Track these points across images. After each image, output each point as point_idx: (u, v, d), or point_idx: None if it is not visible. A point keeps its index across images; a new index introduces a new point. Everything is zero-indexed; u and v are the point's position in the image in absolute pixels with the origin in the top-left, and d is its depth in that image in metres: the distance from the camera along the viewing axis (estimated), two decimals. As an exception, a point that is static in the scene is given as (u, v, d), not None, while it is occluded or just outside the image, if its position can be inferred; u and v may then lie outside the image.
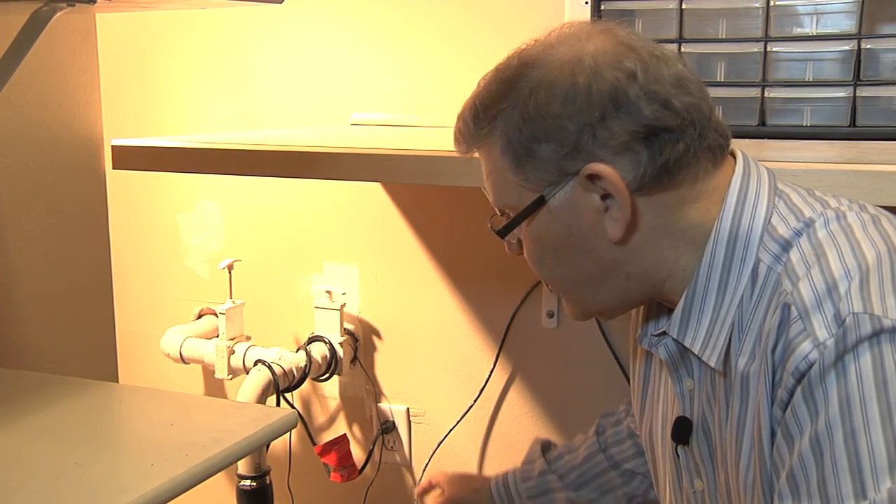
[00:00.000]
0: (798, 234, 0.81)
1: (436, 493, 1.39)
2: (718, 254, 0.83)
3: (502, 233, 0.87)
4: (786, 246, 0.80)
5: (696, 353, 0.85)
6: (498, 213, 0.89)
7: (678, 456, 0.94)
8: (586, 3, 1.39)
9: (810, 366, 0.73)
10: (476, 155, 0.90)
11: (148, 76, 1.86)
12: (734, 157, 0.88)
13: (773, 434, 0.78)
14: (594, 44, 0.83)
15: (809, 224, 0.81)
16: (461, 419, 1.69)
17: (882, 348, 0.71)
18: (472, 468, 1.72)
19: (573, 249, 0.85)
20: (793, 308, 0.75)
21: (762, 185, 0.85)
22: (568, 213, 0.84)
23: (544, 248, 0.87)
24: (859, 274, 0.74)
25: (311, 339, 1.70)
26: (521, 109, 0.83)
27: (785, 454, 0.75)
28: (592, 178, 0.81)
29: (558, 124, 0.81)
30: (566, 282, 0.89)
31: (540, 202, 0.84)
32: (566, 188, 0.83)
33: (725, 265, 0.83)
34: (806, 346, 0.73)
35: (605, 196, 0.82)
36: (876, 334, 0.71)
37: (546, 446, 1.33)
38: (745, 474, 0.83)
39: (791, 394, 0.75)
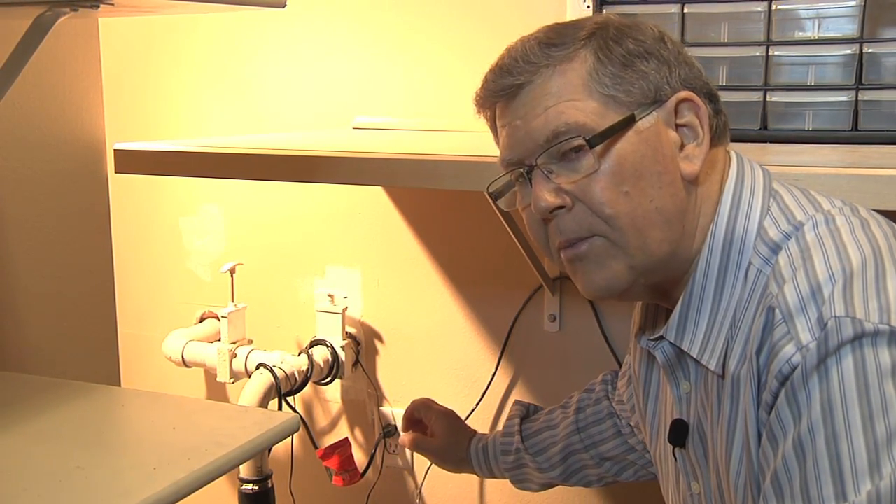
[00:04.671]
0: (787, 237, 0.81)
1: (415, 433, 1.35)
2: (714, 258, 0.83)
3: (594, 141, 0.80)
4: (775, 249, 0.81)
5: (694, 356, 0.86)
6: (556, 146, 0.82)
7: (676, 458, 0.94)
8: (588, 6, 1.39)
9: (793, 369, 0.73)
10: (493, 111, 0.88)
11: (150, 80, 1.86)
12: (729, 158, 0.88)
13: (759, 436, 0.78)
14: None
15: (799, 227, 0.81)
16: (463, 423, 1.69)
17: (864, 352, 0.71)
18: (474, 472, 1.72)
19: (655, 178, 0.82)
20: (777, 311, 0.76)
21: (756, 188, 0.85)
22: (653, 137, 0.82)
23: (626, 174, 0.81)
24: (843, 277, 0.75)
25: (313, 343, 1.70)
26: (616, 29, 0.84)
27: (770, 456, 0.75)
28: (682, 104, 0.83)
29: (656, 47, 0.84)
30: (640, 217, 0.82)
31: (630, 121, 0.81)
32: (653, 114, 0.83)
33: (721, 269, 0.83)
34: (789, 350, 0.74)
35: (682, 134, 0.84)
36: (858, 338, 0.71)
37: (525, 413, 1.32)
38: (735, 477, 0.83)
39: (775, 396, 0.75)
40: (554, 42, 0.83)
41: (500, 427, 1.69)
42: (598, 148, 0.81)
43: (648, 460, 1.20)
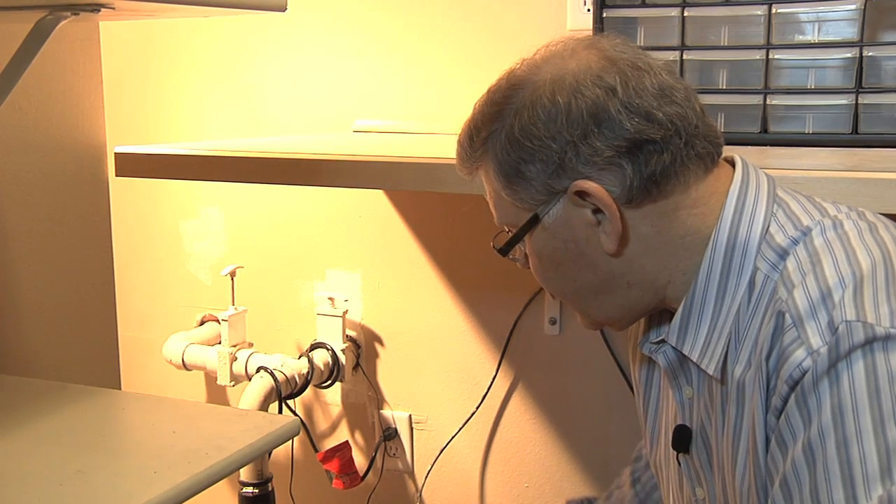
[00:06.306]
0: (795, 242, 0.81)
1: None
2: (716, 263, 0.83)
3: (503, 250, 0.89)
4: (783, 254, 0.81)
5: (694, 360, 0.86)
6: (506, 230, 0.91)
7: (679, 464, 0.94)
8: (588, 10, 1.39)
9: (804, 373, 0.73)
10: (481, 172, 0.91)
11: (151, 84, 1.86)
12: (733, 164, 0.88)
13: (767, 441, 0.78)
14: (576, 61, 0.84)
15: (806, 232, 0.81)
16: (463, 426, 1.69)
17: (875, 356, 0.71)
18: (475, 475, 1.72)
19: (572, 263, 0.87)
20: (787, 316, 0.76)
21: (760, 194, 0.85)
22: (563, 228, 0.85)
23: (545, 263, 0.88)
24: (853, 282, 0.75)
25: (314, 346, 1.70)
26: (507, 132, 0.84)
27: (779, 461, 0.75)
28: (580, 194, 0.83)
29: (542, 144, 0.83)
30: (570, 294, 0.90)
31: (535, 220, 0.86)
32: (558, 205, 0.84)
33: (723, 274, 0.83)
34: (800, 354, 0.74)
35: (596, 210, 0.83)
36: (869, 342, 0.71)
37: None
38: (740, 482, 0.83)
39: (785, 401, 0.75)
40: (472, 138, 0.88)
41: (504, 429, 1.69)
42: (517, 246, 0.88)
43: None
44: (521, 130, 0.83)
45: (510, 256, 0.91)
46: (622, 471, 1.29)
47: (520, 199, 0.85)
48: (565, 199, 0.84)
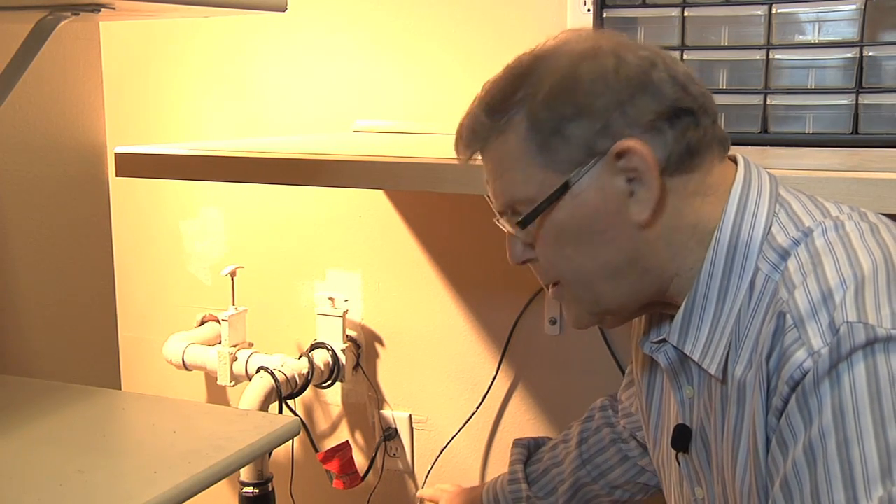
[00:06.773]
0: (796, 243, 0.81)
1: None
2: (718, 262, 0.83)
3: (526, 220, 0.85)
4: (784, 255, 0.81)
5: (695, 360, 0.86)
6: (509, 213, 0.88)
7: (679, 463, 0.94)
8: (588, 10, 1.39)
9: (805, 374, 0.73)
10: (478, 160, 0.90)
11: (151, 84, 1.86)
12: (736, 163, 0.88)
13: (768, 442, 0.78)
14: (606, 40, 0.85)
15: (808, 233, 0.81)
16: (463, 426, 1.69)
17: (876, 358, 0.71)
18: (475, 475, 1.72)
19: (596, 236, 0.84)
20: (788, 317, 0.76)
21: (763, 193, 0.85)
22: (593, 196, 0.83)
23: (566, 238, 0.85)
24: (854, 283, 0.74)
25: (314, 346, 1.70)
26: (547, 90, 0.83)
27: (779, 462, 0.75)
28: (621, 155, 0.81)
29: (588, 101, 0.82)
30: (585, 275, 0.86)
31: (565, 188, 0.83)
32: (593, 171, 0.82)
33: (725, 273, 0.83)
34: (801, 355, 0.73)
35: (631, 179, 0.82)
36: (870, 343, 0.71)
37: (526, 455, 1.33)
38: (741, 482, 0.83)
39: (786, 402, 0.75)
40: (493, 107, 0.85)
41: (504, 429, 1.69)
42: (537, 220, 0.85)
43: None
44: (565, 88, 0.82)
45: (517, 239, 0.89)
46: (572, 423, 1.30)
47: (553, 161, 0.82)
48: (601, 164, 0.82)
